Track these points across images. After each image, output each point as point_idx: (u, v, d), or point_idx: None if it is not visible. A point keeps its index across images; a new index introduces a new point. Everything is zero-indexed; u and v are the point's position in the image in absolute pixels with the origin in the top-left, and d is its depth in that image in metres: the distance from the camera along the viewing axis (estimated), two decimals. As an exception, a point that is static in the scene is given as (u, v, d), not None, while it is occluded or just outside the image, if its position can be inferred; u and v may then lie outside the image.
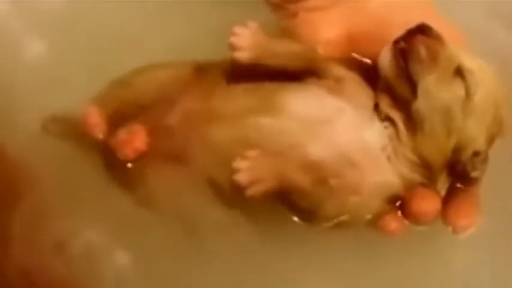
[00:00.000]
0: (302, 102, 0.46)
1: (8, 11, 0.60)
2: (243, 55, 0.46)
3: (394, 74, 0.44)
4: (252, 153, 0.44)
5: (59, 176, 0.51)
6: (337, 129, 0.45)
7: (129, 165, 0.48)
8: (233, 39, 0.46)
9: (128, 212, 0.49)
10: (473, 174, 0.45)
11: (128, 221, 0.49)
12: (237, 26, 0.47)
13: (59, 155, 0.52)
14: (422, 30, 0.43)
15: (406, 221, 0.45)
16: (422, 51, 0.43)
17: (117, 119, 0.49)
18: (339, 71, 0.47)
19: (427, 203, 0.45)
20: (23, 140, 0.52)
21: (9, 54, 0.50)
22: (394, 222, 0.45)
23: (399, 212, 0.46)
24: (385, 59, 0.44)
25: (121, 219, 0.49)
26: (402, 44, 0.43)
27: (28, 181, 0.51)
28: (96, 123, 0.49)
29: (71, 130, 0.51)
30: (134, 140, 0.48)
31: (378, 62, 0.46)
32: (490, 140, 0.45)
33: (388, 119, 0.45)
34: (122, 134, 0.48)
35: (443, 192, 0.46)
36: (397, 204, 0.46)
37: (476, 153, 0.45)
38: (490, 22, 0.57)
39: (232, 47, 0.46)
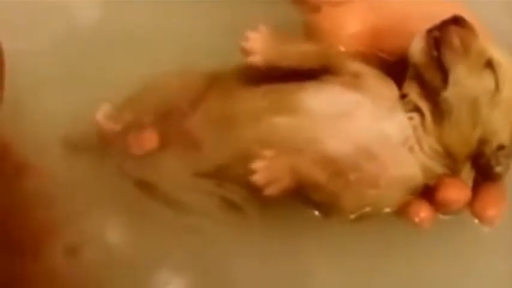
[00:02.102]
0: (319, 100, 0.46)
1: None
2: (256, 59, 0.47)
3: (426, 62, 0.44)
4: (267, 153, 0.44)
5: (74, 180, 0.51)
6: (355, 123, 0.45)
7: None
8: (245, 44, 0.47)
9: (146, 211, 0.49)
10: (497, 169, 0.45)
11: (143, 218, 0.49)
12: (249, 30, 0.47)
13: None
14: (456, 21, 0.44)
15: (434, 211, 0.45)
16: (455, 40, 0.44)
17: (136, 124, 0.49)
18: (356, 66, 0.47)
19: (457, 191, 0.44)
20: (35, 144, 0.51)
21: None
22: (423, 212, 0.45)
23: (427, 202, 0.45)
24: (417, 47, 0.44)
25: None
26: (436, 33, 0.44)
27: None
28: (112, 130, 0.49)
29: (89, 144, 0.51)
30: (146, 139, 0.48)
31: (403, 54, 0.46)
32: None
33: (415, 108, 0.45)
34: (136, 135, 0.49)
35: (469, 184, 0.46)
36: (425, 194, 0.45)
37: (500, 147, 0.45)
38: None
39: (245, 52, 0.47)
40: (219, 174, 0.47)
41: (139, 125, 0.49)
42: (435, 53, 0.44)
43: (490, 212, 0.45)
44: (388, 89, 0.46)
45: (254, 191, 0.43)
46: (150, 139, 0.49)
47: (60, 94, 0.54)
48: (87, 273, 0.47)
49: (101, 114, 0.49)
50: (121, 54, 0.56)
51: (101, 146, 0.50)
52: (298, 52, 0.47)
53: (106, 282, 0.47)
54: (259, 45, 0.47)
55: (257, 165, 0.43)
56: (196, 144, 0.48)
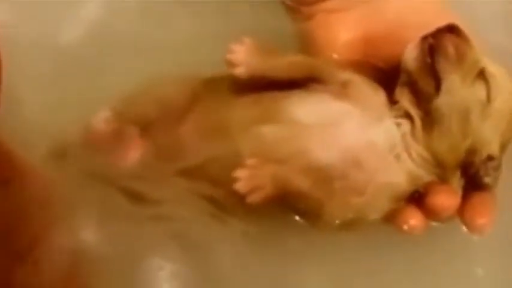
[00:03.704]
0: (306, 109, 0.46)
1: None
2: (240, 71, 0.47)
3: (419, 69, 0.44)
4: (250, 161, 0.44)
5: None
6: (342, 132, 0.45)
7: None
8: (229, 57, 0.47)
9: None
10: (486, 179, 0.45)
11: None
12: (233, 43, 0.48)
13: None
14: (451, 29, 0.44)
15: (425, 218, 0.45)
16: (450, 49, 0.44)
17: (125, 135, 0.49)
18: (344, 75, 0.47)
19: (448, 198, 0.44)
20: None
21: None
22: (413, 219, 0.44)
23: (418, 209, 0.45)
24: (411, 53, 0.45)
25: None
26: (430, 40, 0.44)
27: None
28: (104, 134, 0.49)
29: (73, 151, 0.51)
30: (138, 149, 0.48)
31: (396, 62, 0.46)
32: (503, 147, 0.46)
33: (405, 115, 0.45)
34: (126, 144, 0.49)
35: (459, 192, 0.46)
36: (416, 201, 0.45)
37: (490, 158, 0.45)
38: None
39: (229, 64, 0.47)
40: (206, 181, 0.47)
41: (127, 133, 0.49)
42: (429, 60, 0.44)
43: (480, 221, 0.45)
44: (376, 97, 0.46)
45: (238, 198, 0.44)
46: (135, 150, 0.49)
47: (50, 100, 0.54)
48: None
49: (98, 119, 0.49)
50: (113, 60, 0.56)
51: (87, 152, 0.50)
52: (284, 63, 0.48)
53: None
54: (243, 57, 0.47)
55: (240, 173, 0.43)
56: (184, 152, 0.47)
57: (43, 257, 0.45)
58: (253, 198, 0.43)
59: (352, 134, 0.45)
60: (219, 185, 0.46)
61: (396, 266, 0.48)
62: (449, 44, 0.44)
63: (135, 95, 0.51)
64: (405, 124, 0.45)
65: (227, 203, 0.46)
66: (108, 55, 0.56)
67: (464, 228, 0.45)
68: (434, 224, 0.46)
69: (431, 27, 0.45)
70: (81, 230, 0.48)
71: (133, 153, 0.49)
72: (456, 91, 0.43)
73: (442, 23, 0.45)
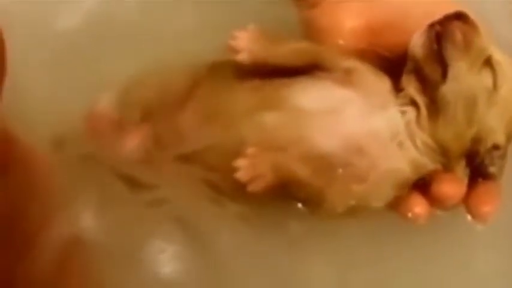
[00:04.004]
0: (309, 96, 0.46)
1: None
2: (242, 57, 0.47)
3: (426, 56, 0.44)
4: (250, 150, 0.44)
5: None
6: (345, 119, 0.45)
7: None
8: (232, 43, 0.47)
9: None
10: (491, 169, 0.45)
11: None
12: (237, 29, 0.48)
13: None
14: (459, 17, 0.44)
15: (430, 206, 0.44)
16: (458, 36, 0.44)
17: (126, 118, 0.49)
18: (348, 62, 0.47)
19: (453, 186, 0.44)
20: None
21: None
22: (417, 207, 0.44)
23: (422, 197, 0.45)
24: (419, 40, 0.44)
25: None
26: (438, 27, 0.44)
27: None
28: (105, 121, 0.49)
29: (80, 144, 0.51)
30: (135, 136, 0.48)
31: (401, 51, 0.46)
32: (509, 137, 0.45)
33: (411, 103, 0.45)
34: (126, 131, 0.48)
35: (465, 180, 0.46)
36: (421, 189, 0.45)
37: (495, 147, 0.45)
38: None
39: (232, 50, 0.47)
40: (205, 167, 0.47)
41: (128, 122, 0.49)
42: (436, 47, 0.44)
43: (485, 209, 0.45)
44: (381, 84, 0.46)
45: (239, 185, 0.44)
46: (135, 136, 0.49)
47: (49, 90, 0.54)
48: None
49: (98, 106, 0.49)
50: (113, 48, 0.56)
51: (89, 140, 0.50)
52: (287, 50, 0.48)
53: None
54: (246, 44, 0.47)
55: (240, 162, 0.44)
56: (184, 138, 0.47)
57: (44, 245, 0.45)
58: (254, 187, 0.43)
59: (354, 121, 0.45)
60: (218, 171, 0.46)
61: (399, 255, 0.48)
62: (456, 30, 0.44)
63: (135, 81, 0.50)
64: (410, 112, 0.45)
65: (227, 188, 0.46)
66: (108, 43, 0.56)
67: (468, 216, 0.45)
68: (438, 212, 0.46)
69: (437, 17, 0.44)
70: (81, 217, 0.47)
71: (133, 140, 0.49)
72: (463, 78, 0.43)
73: (448, 11, 0.44)
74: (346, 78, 0.46)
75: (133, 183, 0.48)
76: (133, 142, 0.49)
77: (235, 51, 0.47)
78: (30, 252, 0.45)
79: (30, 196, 0.46)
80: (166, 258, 0.47)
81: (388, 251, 0.48)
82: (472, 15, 0.45)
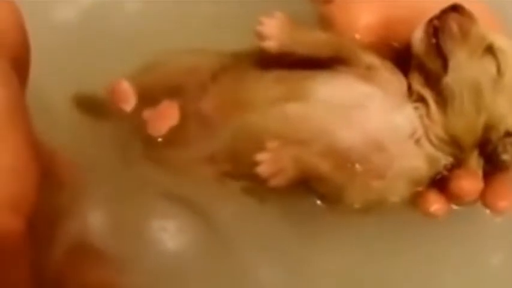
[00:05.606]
0: (331, 90, 0.46)
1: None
2: (270, 44, 0.47)
3: (426, 50, 0.44)
4: (272, 144, 0.44)
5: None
6: (367, 115, 0.45)
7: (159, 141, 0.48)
8: (259, 29, 0.47)
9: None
10: (504, 156, 0.45)
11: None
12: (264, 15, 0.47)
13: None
14: (455, 9, 0.44)
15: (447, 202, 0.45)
16: (453, 27, 0.44)
17: (147, 99, 0.50)
18: (370, 58, 0.47)
19: (470, 182, 0.44)
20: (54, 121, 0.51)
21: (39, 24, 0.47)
22: (436, 203, 0.45)
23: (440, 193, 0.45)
24: (418, 36, 0.45)
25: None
26: (435, 22, 0.44)
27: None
28: (126, 94, 0.49)
29: (100, 106, 0.52)
30: (167, 114, 0.49)
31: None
32: None
33: (419, 99, 0.45)
34: (156, 109, 0.49)
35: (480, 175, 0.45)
36: (438, 185, 0.45)
37: (508, 134, 0.44)
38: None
39: (260, 36, 0.47)
40: (227, 158, 0.47)
41: (153, 100, 0.49)
42: (434, 41, 0.44)
43: (502, 203, 0.44)
44: (398, 82, 0.46)
45: (259, 179, 0.44)
46: (171, 114, 0.49)
47: (78, 76, 0.53)
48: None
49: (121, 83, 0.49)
50: (134, 28, 0.56)
51: (110, 115, 0.50)
52: (313, 40, 0.47)
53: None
54: (274, 31, 0.47)
55: (262, 156, 0.43)
56: (206, 126, 0.48)
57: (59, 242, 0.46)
58: (275, 182, 0.43)
59: (375, 117, 0.45)
60: (238, 161, 0.46)
61: (416, 248, 0.48)
62: (452, 22, 0.44)
63: (158, 61, 0.51)
64: (421, 107, 0.45)
65: (243, 178, 0.47)
66: (107, 37, 0.56)
67: (485, 210, 0.45)
68: (454, 207, 0.46)
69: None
70: (92, 211, 0.48)
71: (167, 122, 0.49)
72: (464, 67, 0.43)
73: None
74: (368, 74, 0.46)
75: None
76: (165, 124, 0.49)
77: (263, 37, 0.47)
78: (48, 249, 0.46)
79: (59, 196, 0.47)
80: (168, 234, 0.47)
81: (404, 244, 0.48)
82: (487, 7, 0.45)
